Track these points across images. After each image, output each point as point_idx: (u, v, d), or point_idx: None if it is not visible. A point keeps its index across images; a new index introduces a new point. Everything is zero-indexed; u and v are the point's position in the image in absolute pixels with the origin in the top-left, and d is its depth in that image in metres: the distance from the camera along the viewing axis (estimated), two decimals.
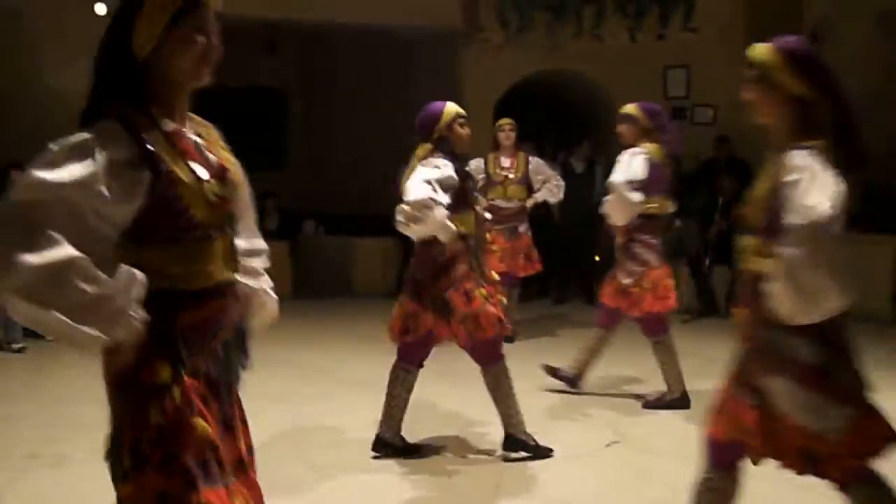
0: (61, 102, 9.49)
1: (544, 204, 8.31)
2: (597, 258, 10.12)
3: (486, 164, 8.06)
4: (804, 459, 2.81)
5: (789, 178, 2.70)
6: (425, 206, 4.37)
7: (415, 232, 4.70)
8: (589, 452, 4.94)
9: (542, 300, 10.23)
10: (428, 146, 4.73)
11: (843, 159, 2.72)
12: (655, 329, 5.97)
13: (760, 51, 2.97)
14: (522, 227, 8.01)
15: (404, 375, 5.04)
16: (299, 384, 6.50)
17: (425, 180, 4.48)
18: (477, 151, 8.60)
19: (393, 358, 7.33)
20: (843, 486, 2.84)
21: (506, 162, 8.02)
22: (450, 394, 6.23)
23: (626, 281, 5.85)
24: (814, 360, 2.72)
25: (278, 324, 7.91)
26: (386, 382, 6.49)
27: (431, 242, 4.75)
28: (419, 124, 4.81)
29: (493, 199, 7.97)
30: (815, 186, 2.63)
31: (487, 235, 7.87)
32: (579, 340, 8.24)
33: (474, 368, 7.01)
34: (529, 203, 8.01)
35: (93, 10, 9.36)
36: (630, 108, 5.92)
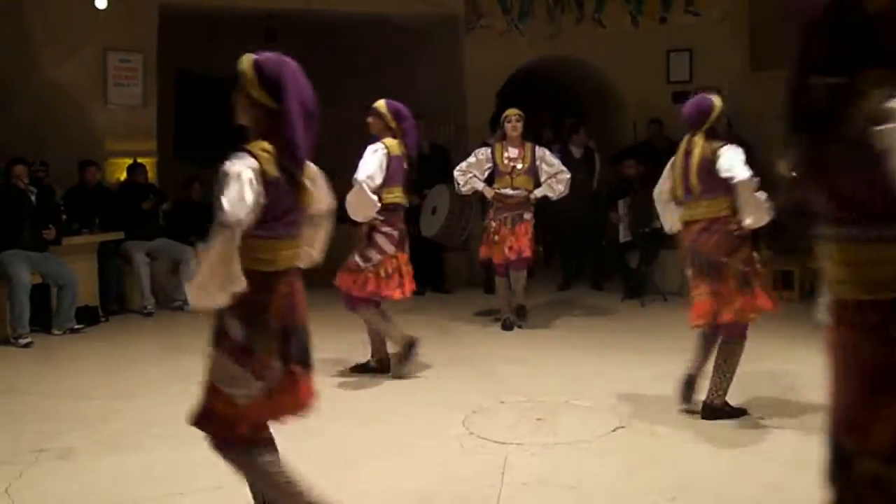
0: (61, 96, 9.54)
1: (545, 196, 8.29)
2: (604, 243, 10.11)
3: (493, 153, 8.03)
4: (223, 425, 3.33)
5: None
6: None
7: None
8: (595, 438, 4.92)
9: (547, 286, 10.20)
10: None
11: (285, 165, 3.17)
12: (358, 305, 6.37)
13: (243, 61, 3.34)
14: (528, 216, 7.99)
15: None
16: None
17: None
18: (479, 139, 8.60)
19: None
20: (218, 448, 3.42)
21: (513, 152, 7.99)
22: (451, 381, 6.23)
23: (363, 265, 6.24)
24: (240, 338, 3.19)
25: None
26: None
27: None
28: None
29: (499, 188, 7.96)
30: (227, 190, 3.04)
31: (492, 224, 7.91)
32: (586, 325, 8.29)
33: (475, 353, 7.03)
34: (531, 198, 7.99)
35: (93, 4, 9.35)
36: (380, 104, 6.40)
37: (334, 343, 7.63)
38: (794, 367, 6.21)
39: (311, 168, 3.44)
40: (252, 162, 3.12)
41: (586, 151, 10.33)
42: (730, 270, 5.12)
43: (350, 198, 6.06)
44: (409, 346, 6.42)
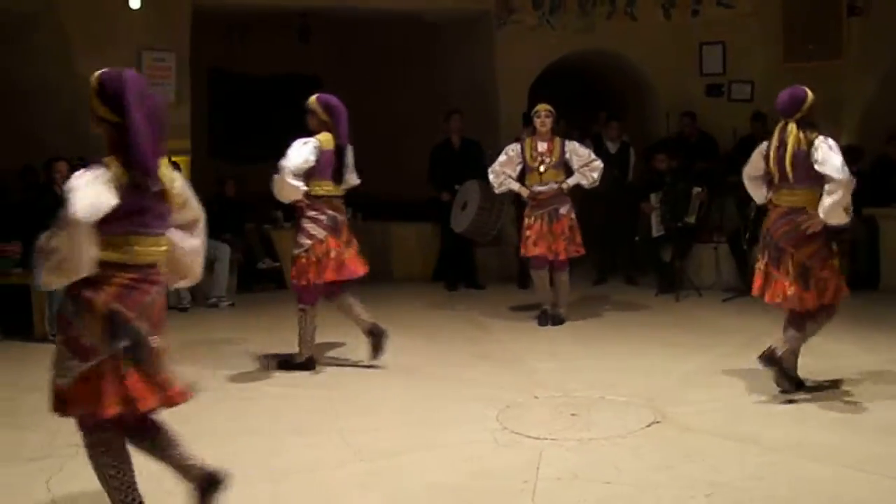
0: None
1: (579, 186, 8.24)
2: (636, 238, 10.07)
3: (522, 149, 8.03)
4: (58, 401, 3.50)
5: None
6: None
7: None
8: (630, 433, 4.91)
9: (582, 281, 10.16)
10: None
11: (131, 175, 3.38)
12: (304, 297, 6.55)
13: (90, 79, 3.56)
14: (564, 209, 7.96)
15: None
16: (339, 370, 6.54)
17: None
18: (512, 135, 8.60)
19: (432, 343, 7.44)
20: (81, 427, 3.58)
21: (542, 147, 7.98)
22: (485, 376, 6.24)
23: (296, 251, 6.49)
24: (71, 319, 3.41)
25: (317, 310, 7.94)
26: (426, 366, 6.56)
27: None
28: None
29: (530, 185, 7.96)
30: (74, 192, 3.30)
31: (527, 221, 7.89)
32: (621, 319, 8.26)
33: (508, 348, 7.04)
34: (564, 187, 7.97)
35: (127, 4, 9.43)
36: (311, 100, 6.57)
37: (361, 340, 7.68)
38: (831, 364, 6.14)
39: (171, 175, 3.64)
40: (101, 171, 3.39)
41: (621, 146, 10.31)
42: (792, 261, 5.33)
43: (275, 181, 6.41)
44: (302, 365, 6.54)
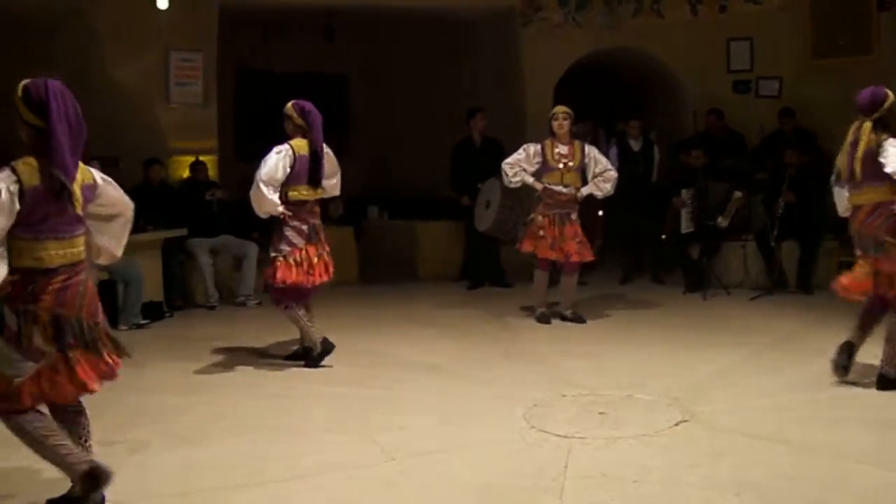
0: (125, 95, 9.73)
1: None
2: (664, 237, 10.02)
3: (543, 149, 7.99)
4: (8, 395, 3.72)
5: None
6: None
7: None
8: (658, 432, 4.89)
9: (608, 280, 10.13)
10: None
11: (53, 175, 3.63)
12: (285, 300, 6.61)
13: (17, 87, 3.72)
14: (574, 216, 7.96)
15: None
16: (365, 369, 6.56)
17: None
18: (538, 133, 8.58)
19: (458, 342, 7.46)
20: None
21: (563, 149, 7.94)
22: (512, 375, 6.25)
23: (273, 254, 6.59)
24: (13, 325, 3.67)
25: (344, 309, 8.06)
26: (453, 365, 6.57)
27: None
28: None
29: (550, 184, 7.93)
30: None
31: (539, 218, 7.87)
32: (648, 318, 8.23)
33: (535, 347, 7.04)
34: (578, 196, 7.95)
35: (154, 5, 9.51)
36: (287, 107, 6.64)
37: (395, 339, 7.71)
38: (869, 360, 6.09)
39: (93, 174, 3.96)
40: (7, 175, 3.61)
41: (644, 144, 10.26)
42: (894, 249, 5.43)
43: (252, 194, 6.49)
44: (323, 350, 6.64)
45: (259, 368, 6.71)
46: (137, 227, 8.67)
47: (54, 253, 3.73)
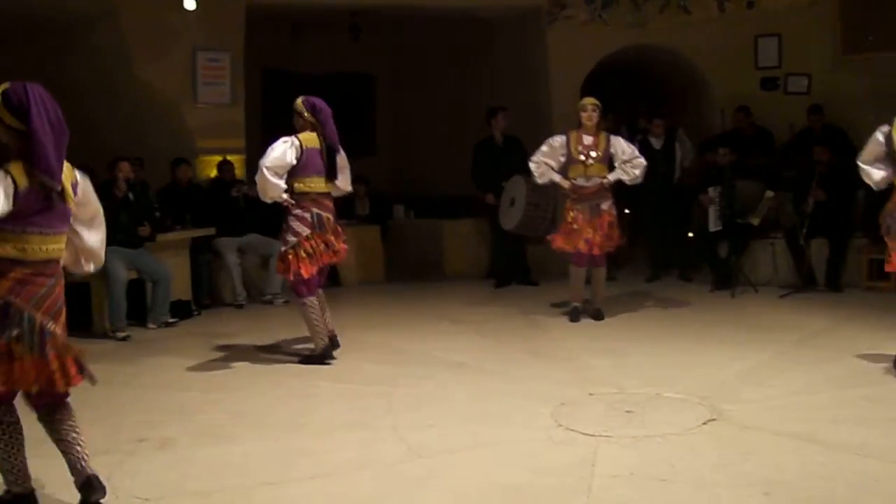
0: (153, 95, 9.80)
1: (622, 183, 8.17)
2: (690, 234, 9.97)
3: (567, 141, 7.98)
4: None
5: None
6: None
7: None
8: (686, 430, 4.86)
9: (635, 279, 10.09)
10: None
11: (38, 177, 3.73)
12: (300, 290, 6.70)
13: None
14: (605, 205, 7.92)
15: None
16: (394, 367, 6.56)
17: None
18: (564, 130, 8.54)
19: (486, 340, 7.45)
20: None
21: (587, 140, 7.93)
22: (539, 373, 6.23)
23: (283, 248, 6.70)
24: None
25: (371, 307, 8.10)
26: (480, 363, 6.56)
27: None
28: None
29: (574, 178, 7.91)
30: None
31: (570, 214, 7.85)
32: (675, 316, 8.19)
33: (562, 345, 7.02)
34: (605, 182, 7.92)
35: (182, 6, 9.56)
36: (297, 102, 6.77)
37: (422, 337, 7.71)
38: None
39: (75, 172, 4.03)
40: (3, 177, 3.68)
41: (667, 142, 10.18)
42: None
43: (256, 179, 6.66)
44: (321, 356, 6.71)
45: (286, 366, 6.73)
46: (165, 227, 8.88)
47: (38, 248, 3.82)
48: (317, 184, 6.71)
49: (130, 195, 8.34)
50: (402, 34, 12.87)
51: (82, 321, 8.18)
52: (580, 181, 7.90)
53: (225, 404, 5.71)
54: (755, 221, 9.27)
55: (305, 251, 6.61)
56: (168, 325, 8.36)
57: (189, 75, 9.92)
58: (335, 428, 5.16)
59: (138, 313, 8.33)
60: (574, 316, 8.03)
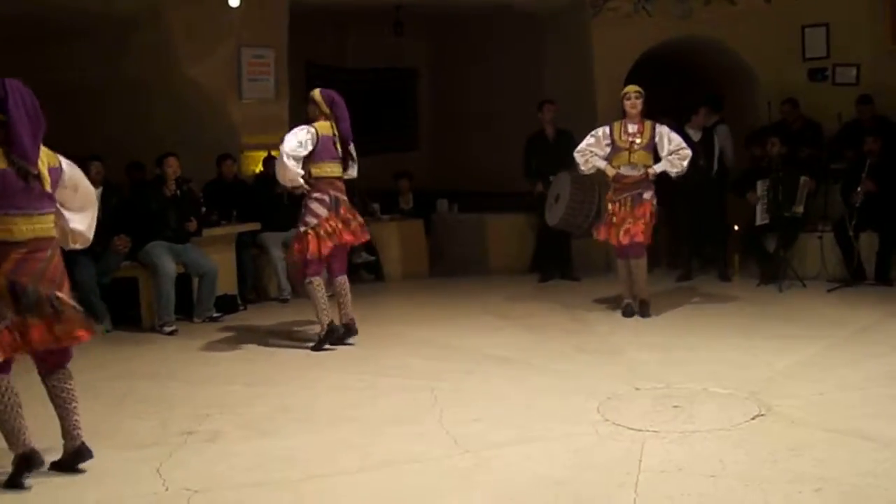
0: (198, 92, 9.89)
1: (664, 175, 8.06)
2: (735, 227, 9.84)
3: (611, 131, 7.92)
4: None
5: None
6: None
7: None
8: (734, 426, 4.81)
9: (671, 276, 9.93)
10: None
11: (15, 161, 4.12)
12: (311, 270, 7.02)
13: None
14: (647, 195, 7.84)
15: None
16: (437, 361, 6.57)
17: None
18: (610, 122, 8.48)
19: (530, 335, 7.44)
20: None
21: (632, 128, 7.85)
22: (584, 368, 6.20)
23: (303, 229, 6.97)
24: None
25: (415, 301, 8.14)
26: (525, 358, 6.55)
27: None
28: None
29: (618, 167, 7.85)
30: None
31: (609, 206, 7.78)
32: (721, 311, 8.11)
33: (606, 340, 6.98)
34: (650, 173, 7.83)
35: (227, 3, 9.64)
36: (315, 93, 7.13)
37: (466, 331, 7.72)
38: None
39: (59, 159, 4.39)
40: None
41: (705, 135, 9.98)
42: None
43: (276, 166, 7.12)
44: (329, 332, 7.04)
45: (331, 360, 6.77)
46: (211, 222, 8.96)
47: (25, 227, 4.16)
48: (332, 168, 7.05)
49: (178, 192, 8.43)
50: (445, 29, 12.86)
51: (131, 316, 8.30)
52: (625, 170, 7.83)
53: (271, 398, 5.75)
54: (799, 211, 9.14)
55: (325, 231, 6.94)
56: (213, 319, 8.44)
57: (234, 71, 10.00)
58: (381, 422, 5.17)
59: (184, 308, 8.42)
60: (627, 312, 7.93)
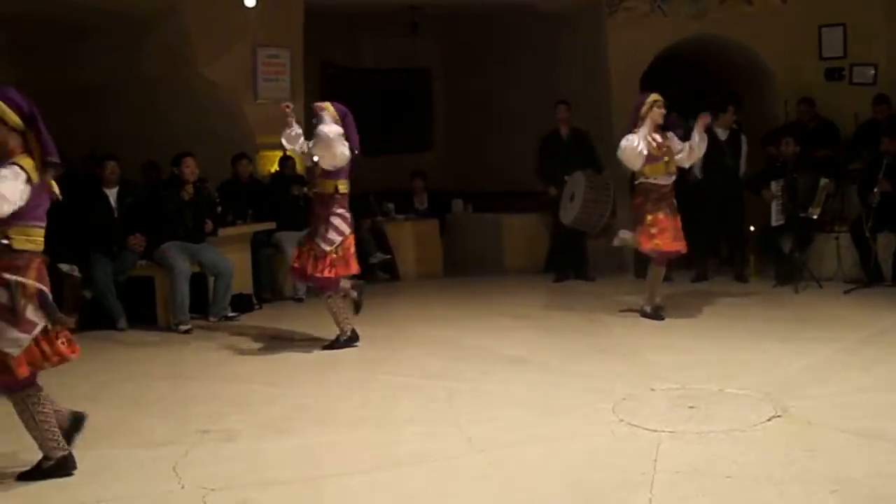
0: (214, 92, 9.92)
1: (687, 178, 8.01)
2: (752, 228, 9.79)
3: (642, 142, 7.73)
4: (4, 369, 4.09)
5: None
6: None
7: None
8: (750, 427, 4.80)
9: (680, 277, 9.84)
10: None
11: (44, 172, 4.17)
12: (327, 287, 7.03)
13: None
14: (674, 202, 7.81)
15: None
16: (452, 361, 6.57)
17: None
18: (623, 123, 8.47)
19: (545, 335, 7.42)
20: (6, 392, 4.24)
21: (659, 137, 7.74)
22: (599, 368, 6.19)
23: (327, 248, 6.87)
24: (6, 301, 4.05)
25: (430, 301, 8.15)
26: (540, 358, 6.54)
27: None
28: None
29: (655, 177, 7.70)
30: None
31: (648, 217, 7.62)
32: (737, 312, 8.08)
33: (621, 341, 6.97)
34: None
35: (242, 3, 9.67)
36: (327, 106, 7.02)
37: (481, 331, 7.71)
38: None
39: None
40: (18, 169, 4.05)
41: (732, 133, 9.96)
42: None
43: (329, 146, 6.82)
44: (350, 339, 7.11)
45: (346, 359, 6.78)
46: (227, 222, 8.99)
47: (39, 239, 4.22)
48: (346, 185, 7.05)
49: (195, 192, 8.46)
50: (459, 29, 12.85)
51: (146, 315, 8.33)
52: (662, 179, 7.69)
53: (287, 397, 5.76)
54: (815, 213, 9.10)
55: (343, 249, 6.92)
56: (229, 318, 8.46)
57: (249, 72, 10.03)
58: (397, 422, 5.18)
59: (200, 307, 8.45)
60: (657, 315, 7.80)
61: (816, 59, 10.74)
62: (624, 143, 7.66)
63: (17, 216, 4.06)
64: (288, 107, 7.12)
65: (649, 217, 7.70)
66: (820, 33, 10.70)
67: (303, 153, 7.27)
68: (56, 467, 4.33)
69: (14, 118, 4.12)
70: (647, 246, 7.78)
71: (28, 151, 4.14)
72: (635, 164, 7.70)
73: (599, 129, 10.42)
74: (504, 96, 12.34)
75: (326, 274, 6.89)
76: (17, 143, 4.13)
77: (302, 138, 7.12)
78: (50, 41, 9.78)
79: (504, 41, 12.33)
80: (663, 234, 7.69)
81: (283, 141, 7.20)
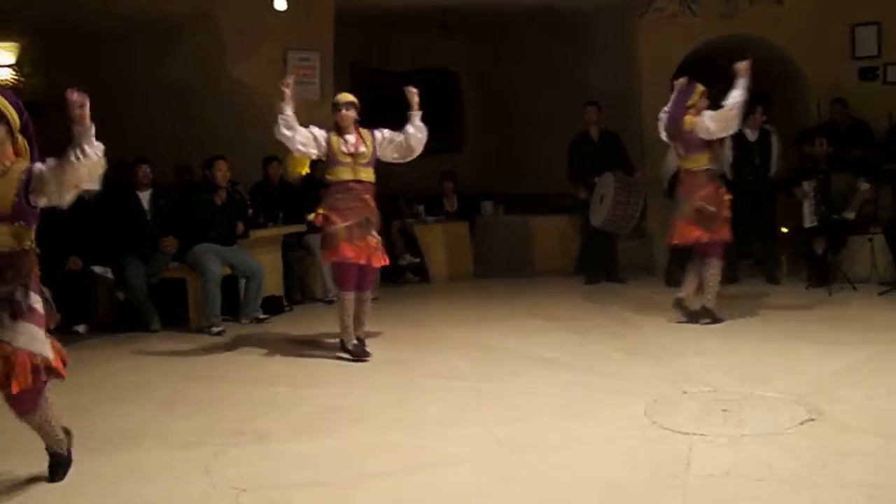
0: (245, 94, 9.98)
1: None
2: (784, 230, 9.71)
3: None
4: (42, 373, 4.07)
5: None
6: None
7: None
8: (783, 430, 4.76)
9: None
10: None
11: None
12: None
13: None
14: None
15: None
16: (482, 363, 6.57)
17: None
18: (654, 124, 8.42)
19: (576, 337, 7.39)
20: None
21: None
22: (630, 371, 6.17)
23: (375, 241, 7.04)
24: (37, 305, 4.06)
25: (460, 303, 8.13)
26: (571, 360, 6.52)
27: None
28: None
29: (705, 168, 7.53)
30: None
31: (698, 204, 7.49)
32: (770, 314, 8.01)
33: (652, 343, 6.92)
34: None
35: (272, 6, 9.72)
36: (351, 97, 7.21)
37: (512, 333, 7.70)
38: None
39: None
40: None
41: (762, 133, 9.87)
42: None
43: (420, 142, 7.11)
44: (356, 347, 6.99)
45: (376, 361, 6.80)
46: (258, 224, 9.04)
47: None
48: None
49: (227, 195, 8.52)
50: (490, 30, 12.84)
51: (178, 317, 8.40)
52: (714, 164, 7.59)
53: (317, 399, 5.79)
54: (850, 216, 9.01)
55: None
56: (260, 320, 8.51)
57: (280, 74, 10.05)
58: (425, 423, 5.18)
59: (231, 309, 8.50)
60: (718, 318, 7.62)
61: (850, 58, 10.63)
62: (714, 123, 7.44)
63: (29, 221, 4.10)
64: (287, 85, 6.85)
65: (699, 205, 7.43)
66: (853, 32, 10.59)
67: (302, 146, 7.07)
68: (67, 458, 4.41)
69: (17, 121, 4.11)
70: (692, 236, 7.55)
71: (18, 156, 4.14)
72: (733, 124, 7.53)
73: (629, 129, 10.38)
74: (533, 98, 12.32)
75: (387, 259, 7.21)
76: (10, 147, 4.13)
77: (300, 130, 6.95)
78: (82, 48, 9.87)
79: (534, 42, 12.31)
80: (709, 221, 7.47)
81: (282, 129, 6.92)
